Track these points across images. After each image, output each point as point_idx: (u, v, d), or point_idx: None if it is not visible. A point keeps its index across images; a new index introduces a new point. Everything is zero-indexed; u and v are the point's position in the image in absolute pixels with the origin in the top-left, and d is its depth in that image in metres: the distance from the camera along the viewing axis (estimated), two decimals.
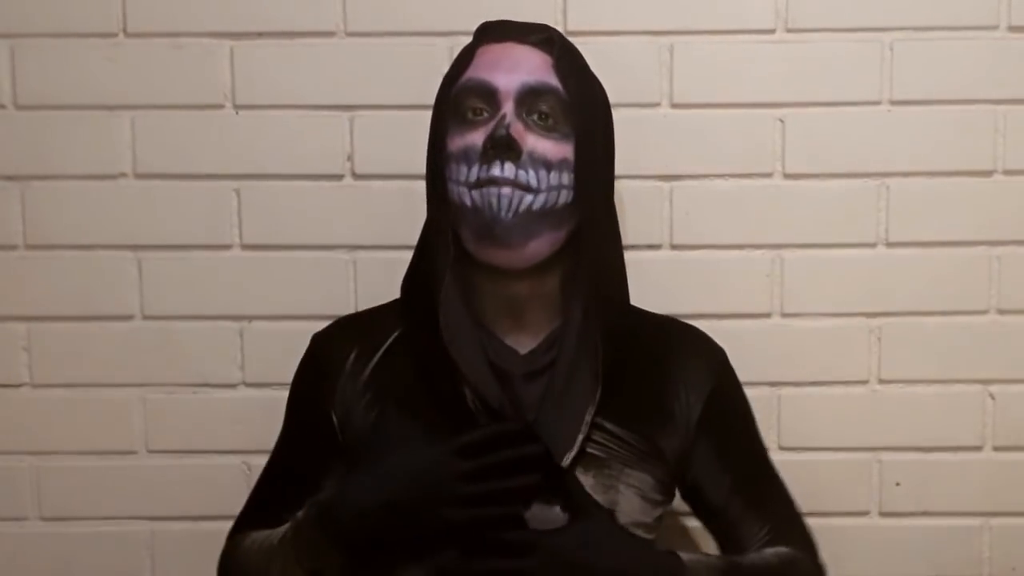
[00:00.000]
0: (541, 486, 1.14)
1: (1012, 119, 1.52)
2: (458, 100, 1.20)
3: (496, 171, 1.16)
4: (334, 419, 1.26)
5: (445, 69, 1.44)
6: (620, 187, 1.49)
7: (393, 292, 1.41)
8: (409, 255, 1.30)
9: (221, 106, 1.53)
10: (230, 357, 1.55)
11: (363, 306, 1.52)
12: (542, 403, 1.20)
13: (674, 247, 1.54)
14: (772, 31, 1.52)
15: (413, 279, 1.28)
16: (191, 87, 1.52)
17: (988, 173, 1.54)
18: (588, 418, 1.19)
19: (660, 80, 1.52)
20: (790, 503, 1.32)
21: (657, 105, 1.52)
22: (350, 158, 1.53)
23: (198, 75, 1.52)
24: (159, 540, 1.57)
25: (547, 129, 1.18)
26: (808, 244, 1.54)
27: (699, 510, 1.32)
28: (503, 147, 1.15)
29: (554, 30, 1.25)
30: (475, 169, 1.16)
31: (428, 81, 1.28)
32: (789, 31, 1.52)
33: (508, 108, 1.17)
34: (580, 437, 1.18)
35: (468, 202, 1.17)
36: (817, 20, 1.52)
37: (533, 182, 1.16)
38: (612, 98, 1.28)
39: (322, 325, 1.36)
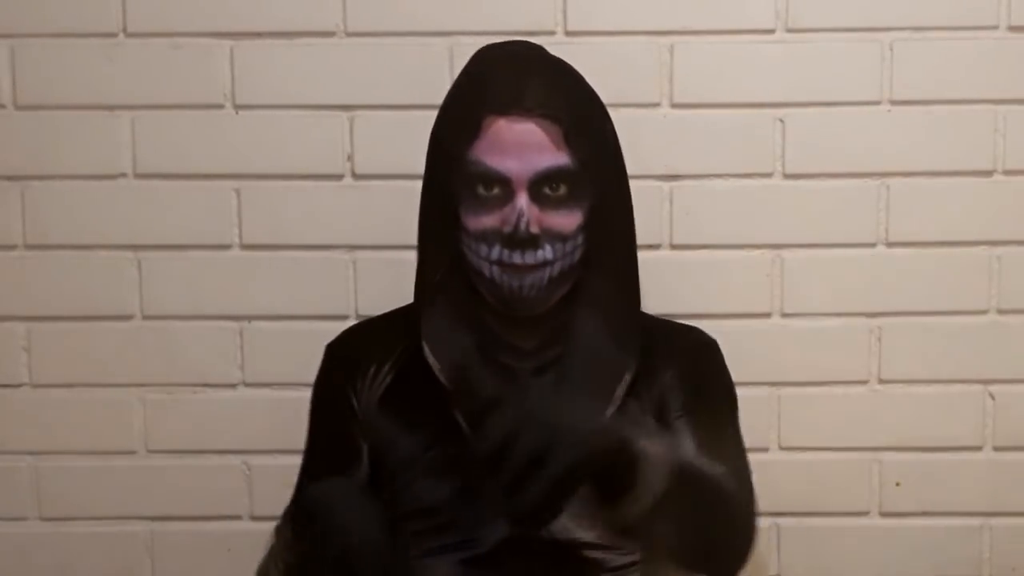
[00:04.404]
0: None
1: (1012, 119, 1.52)
2: (469, 180, 1.20)
3: (518, 259, 1.19)
4: (358, 421, 1.28)
5: (445, 69, 1.45)
6: None
7: (393, 292, 1.41)
8: (409, 255, 1.30)
9: (221, 106, 1.53)
10: (230, 357, 1.55)
11: (363, 306, 1.52)
12: (554, 392, 1.22)
13: (674, 247, 1.54)
14: (772, 31, 1.52)
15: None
16: (191, 87, 1.52)
17: (988, 173, 1.53)
18: (620, 393, 1.23)
19: (660, 80, 1.52)
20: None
21: (657, 105, 1.52)
22: (350, 158, 1.53)
23: (198, 75, 1.52)
24: (159, 540, 1.57)
25: (560, 202, 1.20)
26: (808, 244, 1.54)
27: None
28: (523, 242, 1.18)
29: (559, 77, 1.22)
30: (496, 251, 1.20)
31: (428, 81, 1.28)
32: (789, 31, 1.52)
33: (523, 199, 1.18)
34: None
35: (487, 274, 1.21)
36: (817, 20, 1.51)
37: (550, 255, 1.20)
38: (612, 98, 1.27)
39: (322, 325, 1.36)
